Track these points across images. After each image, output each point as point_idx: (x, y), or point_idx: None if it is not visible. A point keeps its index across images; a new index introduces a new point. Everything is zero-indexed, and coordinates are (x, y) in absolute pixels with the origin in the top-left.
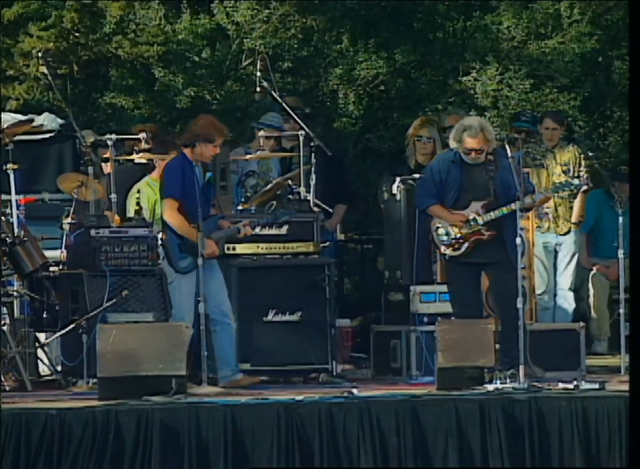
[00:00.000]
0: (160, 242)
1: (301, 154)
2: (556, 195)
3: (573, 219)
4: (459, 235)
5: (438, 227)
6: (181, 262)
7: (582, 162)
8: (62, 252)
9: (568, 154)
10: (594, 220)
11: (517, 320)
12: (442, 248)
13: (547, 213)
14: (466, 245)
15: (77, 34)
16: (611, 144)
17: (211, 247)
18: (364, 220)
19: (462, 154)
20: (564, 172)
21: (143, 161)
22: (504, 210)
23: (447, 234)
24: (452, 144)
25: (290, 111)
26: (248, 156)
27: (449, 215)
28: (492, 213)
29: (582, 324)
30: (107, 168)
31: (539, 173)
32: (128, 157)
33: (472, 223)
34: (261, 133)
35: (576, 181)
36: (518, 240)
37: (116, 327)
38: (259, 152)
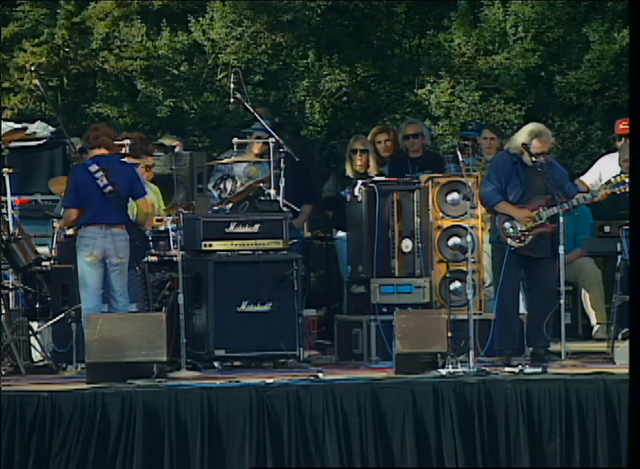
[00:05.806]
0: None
1: (271, 159)
2: (617, 190)
3: None
4: (524, 228)
5: (505, 221)
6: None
7: None
8: (53, 248)
9: None
10: None
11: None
12: (509, 240)
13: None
14: (530, 237)
15: (67, 49)
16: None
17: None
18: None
19: (522, 156)
20: None
21: None
22: (566, 206)
23: (513, 227)
24: (514, 148)
25: (261, 120)
26: (226, 160)
27: (516, 211)
28: (554, 209)
29: (526, 313)
30: None
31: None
32: None
33: (536, 218)
34: (253, 136)
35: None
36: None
37: (102, 317)
38: (233, 156)
